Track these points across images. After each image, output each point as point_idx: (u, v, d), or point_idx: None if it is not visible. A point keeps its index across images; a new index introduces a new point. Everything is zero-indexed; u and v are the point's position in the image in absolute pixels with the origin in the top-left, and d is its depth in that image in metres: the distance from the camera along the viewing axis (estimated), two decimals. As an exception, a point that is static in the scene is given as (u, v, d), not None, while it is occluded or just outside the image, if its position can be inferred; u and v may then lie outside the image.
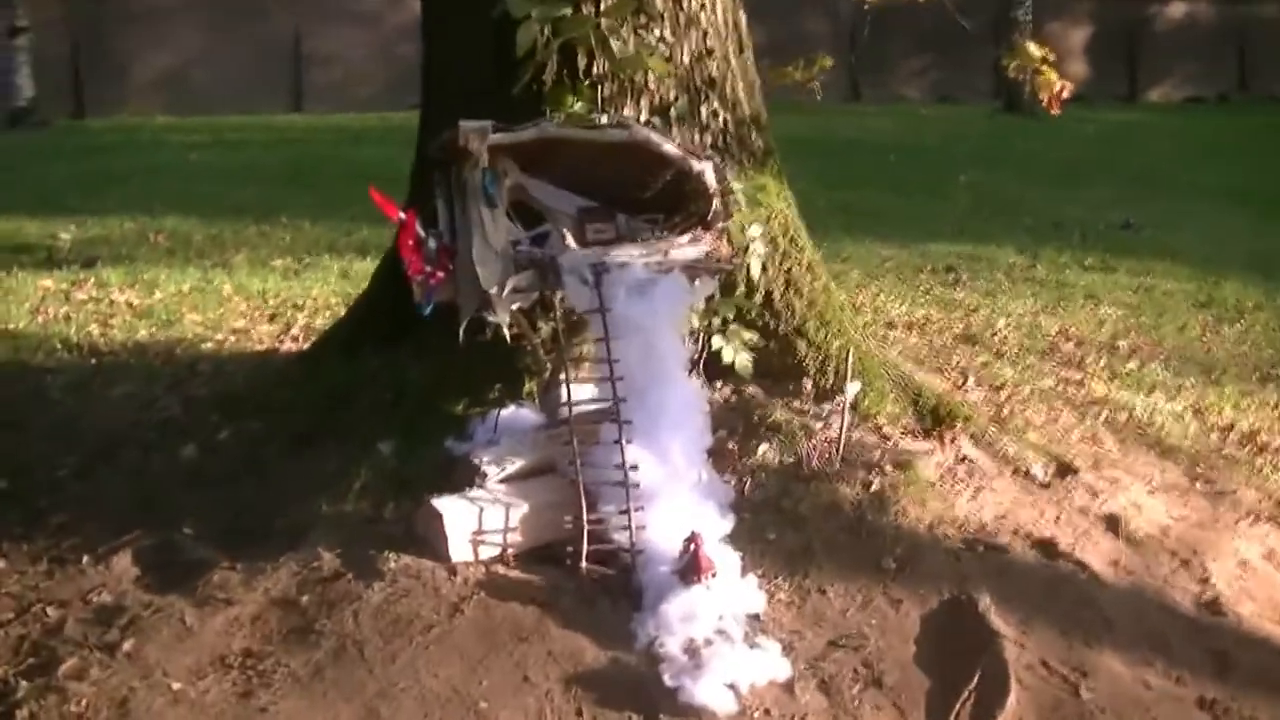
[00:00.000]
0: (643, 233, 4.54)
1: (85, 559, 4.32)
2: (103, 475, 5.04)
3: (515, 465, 4.30)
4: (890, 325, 7.55)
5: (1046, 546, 4.48)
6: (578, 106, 4.59)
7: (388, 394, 4.86)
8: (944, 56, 23.19)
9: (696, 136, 5.01)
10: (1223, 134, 19.39)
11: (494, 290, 4.16)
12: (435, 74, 5.21)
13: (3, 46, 18.82)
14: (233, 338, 7.23)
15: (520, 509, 4.20)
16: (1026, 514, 4.66)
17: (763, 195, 5.04)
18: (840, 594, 4.16)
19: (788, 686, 3.76)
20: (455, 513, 4.12)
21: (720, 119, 5.11)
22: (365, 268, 7.99)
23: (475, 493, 4.21)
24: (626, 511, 4.10)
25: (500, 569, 4.13)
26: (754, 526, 4.35)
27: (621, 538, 4.11)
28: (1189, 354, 7.48)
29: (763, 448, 4.66)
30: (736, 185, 4.72)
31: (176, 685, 3.64)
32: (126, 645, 3.80)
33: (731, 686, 3.67)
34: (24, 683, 3.66)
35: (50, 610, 4.04)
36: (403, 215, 4.22)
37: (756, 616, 3.98)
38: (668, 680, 3.68)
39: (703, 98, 5.04)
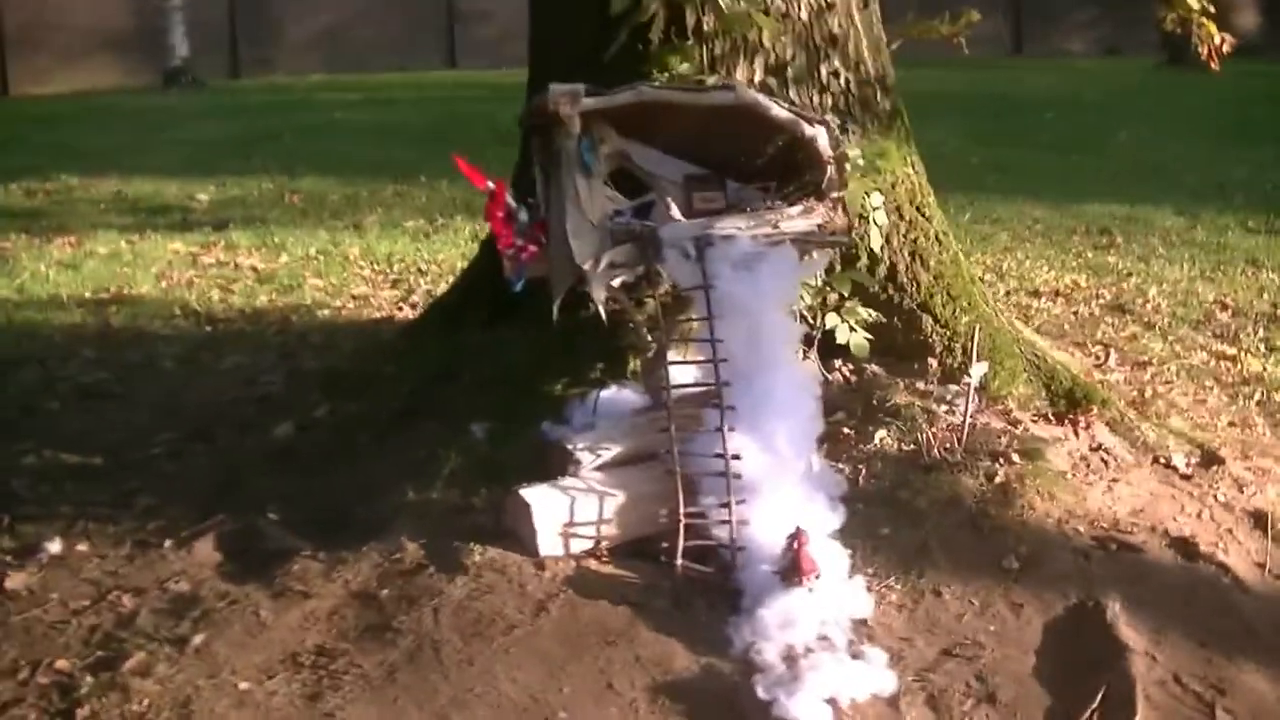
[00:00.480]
0: (754, 201, 4.24)
1: (168, 544, 4.18)
2: (196, 454, 4.94)
3: (612, 452, 4.04)
4: (1035, 294, 7.18)
5: (1185, 545, 4.10)
6: (684, 68, 4.30)
7: (487, 372, 4.64)
8: (1112, 7, 22.38)
9: (815, 98, 4.70)
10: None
11: (589, 265, 3.88)
12: (539, 34, 4.96)
13: (158, 7, 18.96)
14: (351, 304, 7.12)
15: (616, 499, 3.94)
16: (1165, 509, 4.28)
17: (885, 161, 4.71)
18: (956, 596, 3.83)
19: (892, 701, 3.45)
20: (545, 504, 3.88)
21: (841, 79, 4.79)
22: (496, 231, 7.81)
23: (567, 482, 3.96)
24: (727, 505, 3.82)
25: (591, 564, 3.88)
26: (867, 520, 4.04)
27: (721, 533, 3.83)
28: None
29: (880, 434, 4.35)
30: (854, 151, 4.40)
31: (243, 685, 3.45)
32: (197, 640, 3.63)
33: (830, 701, 3.37)
34: (89, 678, 3.50)
35: (126, 599, 3.89)
36: (491, 185, 3.96)
37: (863, 621, 3.68)
38: (761, 693, 3.39)
39: (822, 56, 4.73)
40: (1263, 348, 6.31)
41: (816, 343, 4.47)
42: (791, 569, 3.62)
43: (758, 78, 4.55)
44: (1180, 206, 9.57)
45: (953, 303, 4.77)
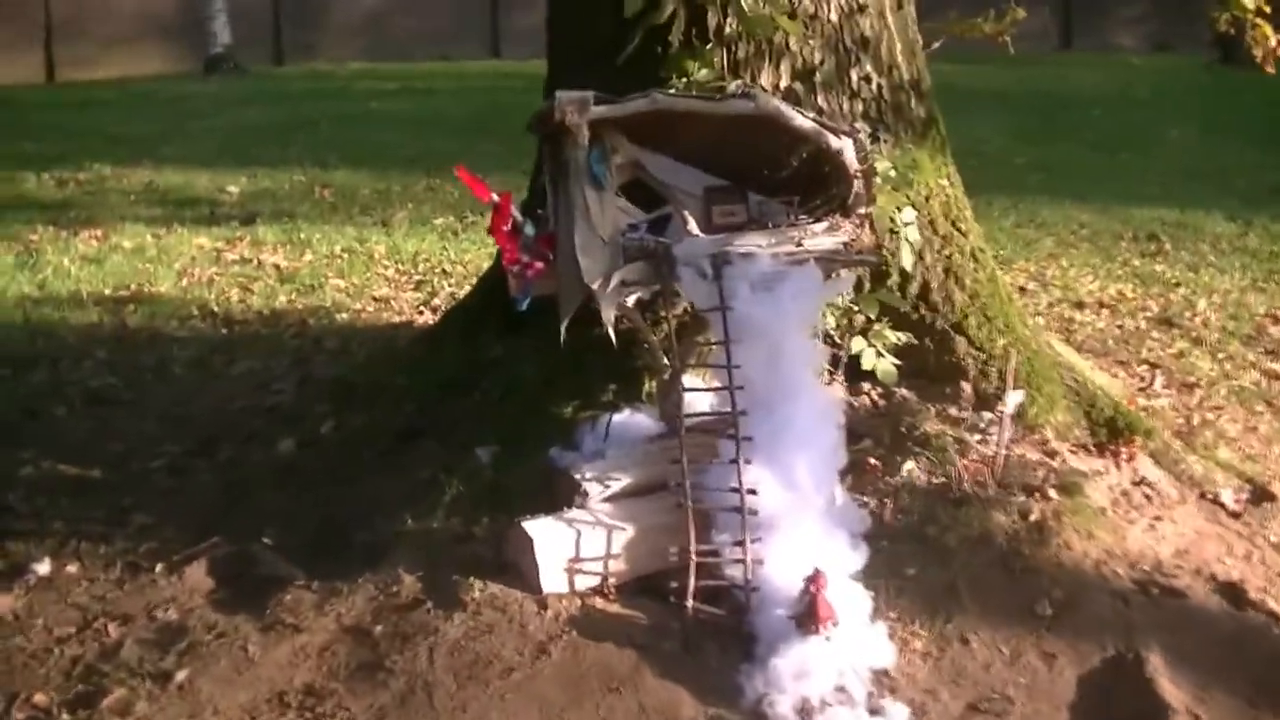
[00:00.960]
0: (777, 216, 3.99)
1: (160, 567, 4.03)
2: (198, 469, 4.78)
3: (621, 482, 3.82)
4: (1079, 305, 6.92)
5: (1233, 591, 3.84)
6: (703, 73, 4.07)
7: (497, 389, 4.43)
8: (1162, 3, 21.95)
9: (845, 104, 4.46)
10: None
11: (598, 285, 3.65)
12: (555, 34, 4.74)
13: (200, -7, 18.81)
14: (372, 306, 6.95)
15: (624, 533, 3.72)
16: (1212, 549, 4.02)
17: (918, 173, 4.47)
18: (985, 644, 3.60)
19: (913, 761, 3.23)
20: (549, 538, 3.66)
21: (873, 84, 4.55)
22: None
23: (574, 514, 3.74)
24: (741, 543, 3.59)
25: (597, 603, 3.67)
26: (892, 559, 3.81)
27: (735, 572, 3.61)
28: None
29: (909, 465, 4.11)
30: (884, 164, 4.16)
31: (224, 727, 3.27)
32: (180, 676, 3.47)
33: (846, 761, 3.16)
34: (65, 716, 3.35)
35: (112, 627, 3.74)
36: (495, 197, 3.74)
37: (885, 672, 3.45)
38: (772, 750, 3.18)
39: (853, 60, 4.49)
40: (1316, 366, 6.03)
41: (843, 364, 4.23)
42: (808, 616, 3.39)
43: (784, 83, 4.32)
44: (1232, 212, 9.26)
45: (989, 324, 4.52)
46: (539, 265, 3.73)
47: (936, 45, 4.94)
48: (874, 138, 4.29)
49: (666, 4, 4.01)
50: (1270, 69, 5.83)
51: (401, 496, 4.11)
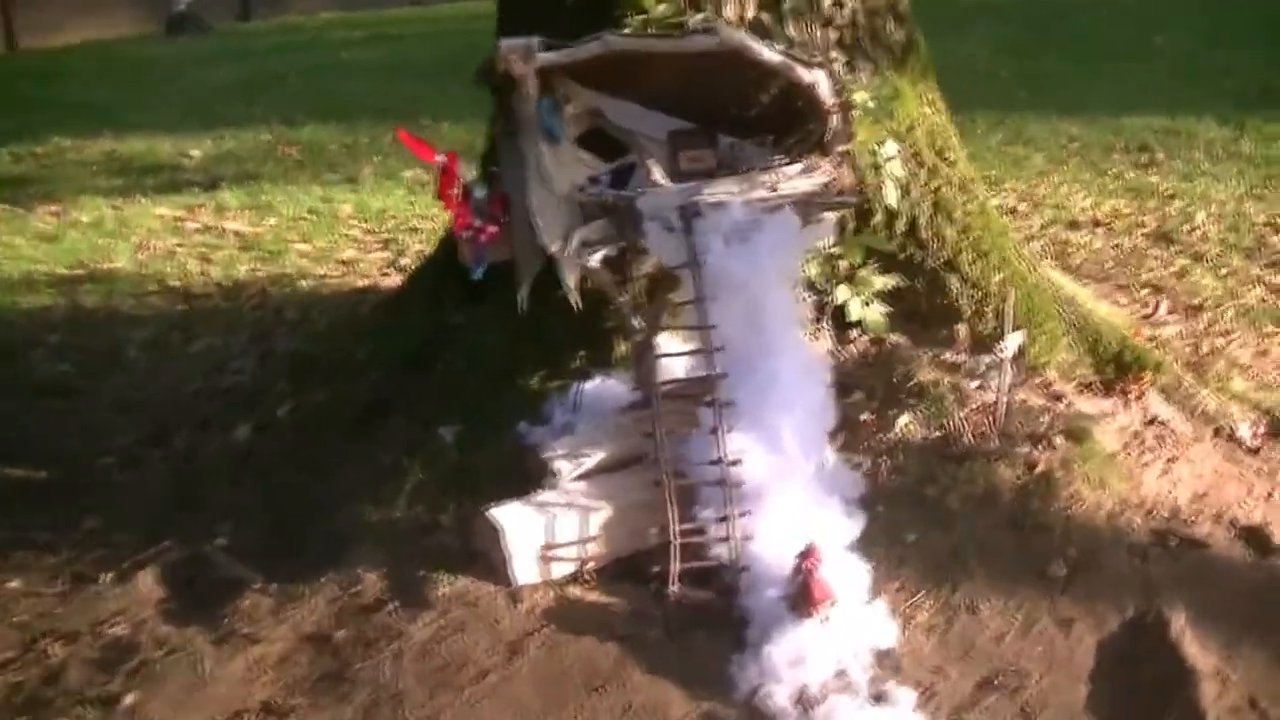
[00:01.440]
0: (750, 158, 3.69)
1: (108, 577, 3.78)
2: (151, 460, 4.54)
3: (594, 458, 3.55)
4: (1073, 225, 6.63)
5: (1257, 536, 3.58)
6: (660, 9, 3.75)
7: (460, 360, 4.15)
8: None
9: (818, 34, 4.14)
10: None
11: (557, 248, 3.35)
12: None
13: (158, -50, 18.39)
14: (337, 271, 6.63)
15: (601, 514, 3.45)
16: (1231, 491, 3.76)
17: (899, 102, 4.16)
18: (996, 613, 3.33)
19: (923, 752, 2.97)
20: (519, 525, 3.38)
21: (846, 9, 4.21)
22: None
23: (544, 496, 3.47)
24: (727, 518, 3.31)
25: (574, 592, 3.41)
26: (890, 525, 3.53)
27: (722, 551, 3.33)
28: None
29: (904, 419, 3.83)
30: (862, 95, 3.85)
31: (176, 756, 3.01)
32: (129, 699, 3.23)
33: (851, 755, 2.90)
34: (3, 748, 3.10)
35: (57, 647, 3.49)
36: (441, 158, 3.44)
37: (888, 653, 3.18)
38: (770, 746, 2.91)
39: (824, -16, 4.16)
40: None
41: (829, 312, 3.94)
42: (802, 598, 3.12)
43: (749, 14, 4.00)
44: (1223, 115, 8.93)
45: (982, 259, 4.23)
46: (492, 229, 3.45)
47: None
48: (849, 67, 3.99)
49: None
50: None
51: (362, 483, 3.86)
